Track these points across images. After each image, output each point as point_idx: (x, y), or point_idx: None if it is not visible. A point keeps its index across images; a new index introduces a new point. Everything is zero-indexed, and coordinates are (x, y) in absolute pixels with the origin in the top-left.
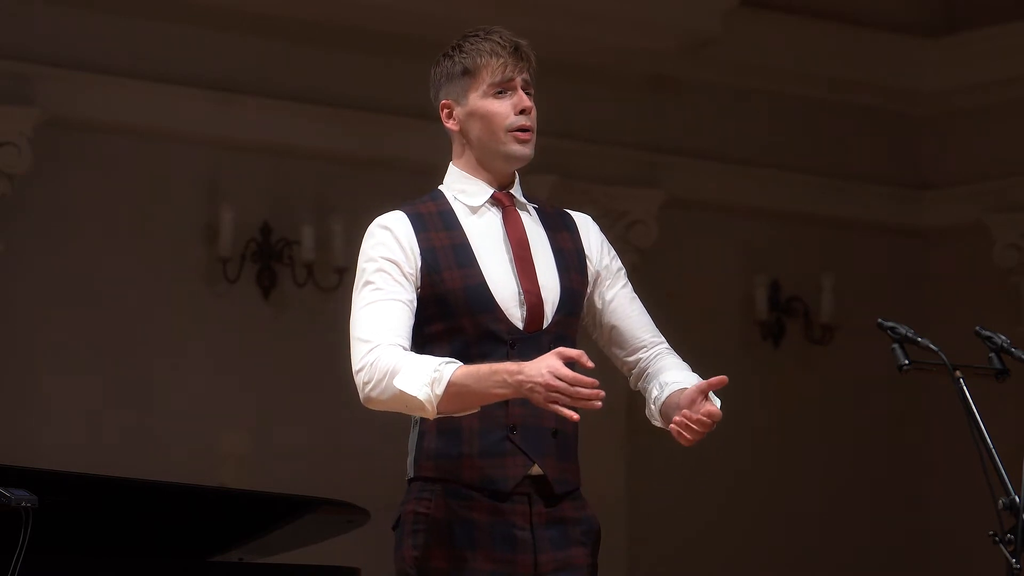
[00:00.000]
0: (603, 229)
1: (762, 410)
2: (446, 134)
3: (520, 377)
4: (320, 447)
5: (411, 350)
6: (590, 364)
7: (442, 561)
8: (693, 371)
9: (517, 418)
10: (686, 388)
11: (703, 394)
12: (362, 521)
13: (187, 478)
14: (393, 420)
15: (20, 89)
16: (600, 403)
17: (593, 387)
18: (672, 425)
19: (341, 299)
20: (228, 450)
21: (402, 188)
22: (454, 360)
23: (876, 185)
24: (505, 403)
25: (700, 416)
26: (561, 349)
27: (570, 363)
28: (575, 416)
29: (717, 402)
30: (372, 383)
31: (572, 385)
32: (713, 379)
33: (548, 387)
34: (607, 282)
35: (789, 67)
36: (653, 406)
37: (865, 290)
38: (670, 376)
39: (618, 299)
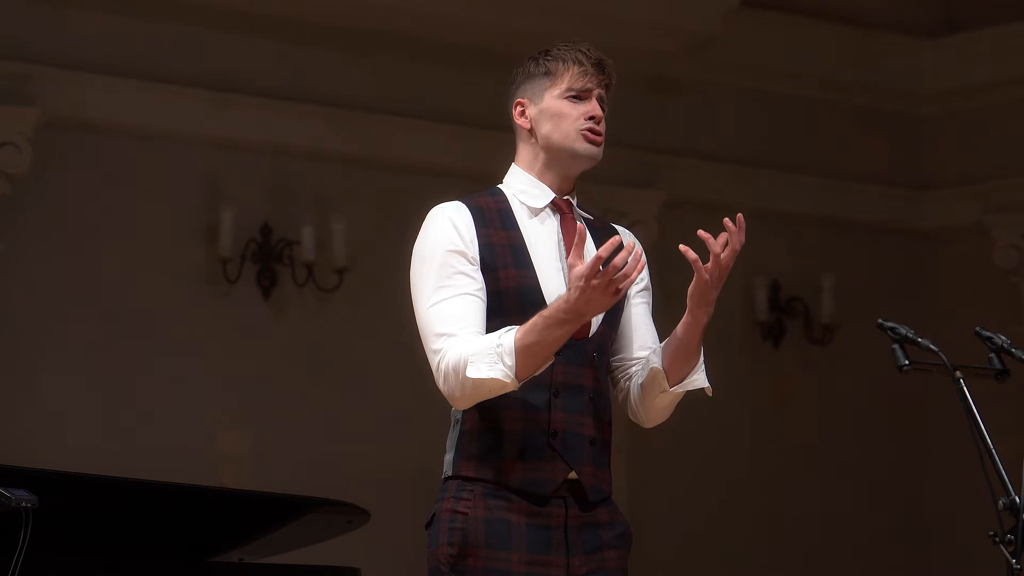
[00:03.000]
0: None
1: (762, 410)
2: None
3: (575, 305)
4: (320, 447)
5: None
6: (581, 229)
7: (477, 561)
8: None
9: (559, 424)
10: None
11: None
12: (362, 521)
13: (187, 478)
14: (393, 420)
15: (20, 89)
16: (640, 251)
17: (613, 246)
18: (690, 253)
19: (341, 299)
20: (228, 450)
21: (402, 189)
22: (509, 328)
23: (876, 185)
24: (548, 409)
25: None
26: (569, 263)
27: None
28: (643, 264)
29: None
30: (450, 387)
31: (604, 264)
32: (727, 221)
33: (598, 289)
34: (633, 294)
35: (789, 67)
36: (653, 356)
37: (865, 290)
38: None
39: (636, 309)
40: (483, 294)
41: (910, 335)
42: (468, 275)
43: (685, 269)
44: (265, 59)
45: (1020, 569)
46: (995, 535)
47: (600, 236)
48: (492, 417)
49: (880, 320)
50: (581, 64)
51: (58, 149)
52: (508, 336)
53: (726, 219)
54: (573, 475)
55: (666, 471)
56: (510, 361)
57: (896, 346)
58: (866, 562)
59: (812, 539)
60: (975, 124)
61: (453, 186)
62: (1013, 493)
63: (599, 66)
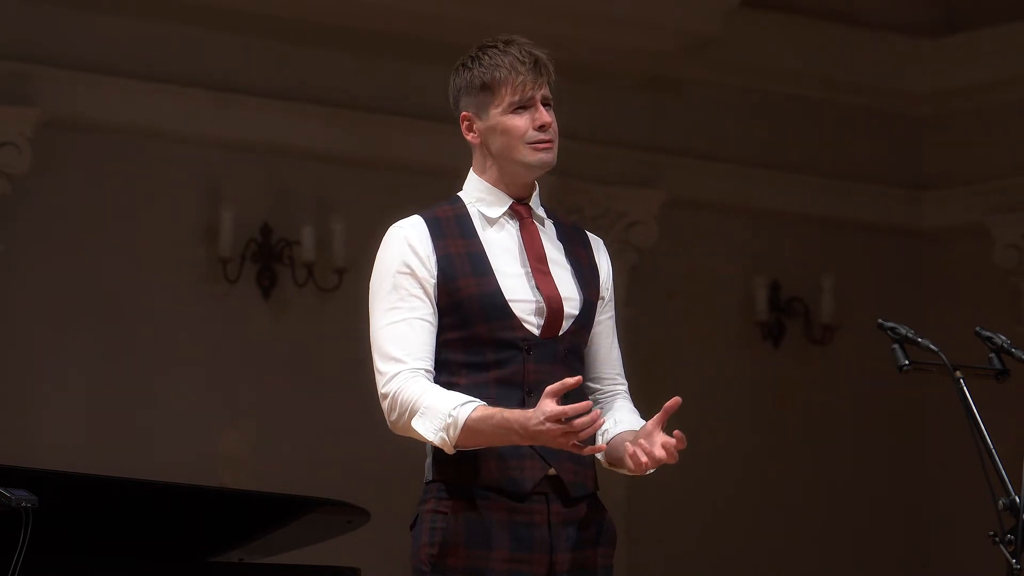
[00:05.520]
0: (603, 229)
1: (761, 410)
2: (466, 143)
3: (531, 432)
4: (320, 447)
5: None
6: (573, 382)
7: (459, 560)
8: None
9: None
10: (635, 430)
11: (661, 424)
12: (362, 521)
13: (187, 478)
14: None
15: (20, 89)
16: (603, 421)
17: (586, 411)
18: (630, 446)
19: (341, 299)
20: (228, 450)
21: (402, 188)
22: (471, 400)
23: (876, 185)
24: (522, 408)
25: (659, 452)
26: (547, 389)
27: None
28: (600, 448)
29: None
30: (394, 416)
31: (571, 421)
32: (669, 403)
33: (551, 434)
34: (602, 308)
35: (789, 67)
36: (599, 437)
37: (865, 290)
38: (623, 416)
39: (603, 325)
40: (434, 318)
41: (910, 335)
42: (420, 298)
43: (684, 269)
44: (265, 59)
45: (1020, 569)
46: (995, 535)
47: (570, 240)
48: None
49: (880, 320)
50: (517, 72)
51: (58, 149)
52: (464, 411)
53: (673, 439)
54: (553, 471)
55: (665, 471)
56: (453, 434)
57: (896, 346)
58: (866, 562)
59: (812, 538)
60: (975, 124)
61: (453, 186)
62: (1013, 493)
63: (536, 69)
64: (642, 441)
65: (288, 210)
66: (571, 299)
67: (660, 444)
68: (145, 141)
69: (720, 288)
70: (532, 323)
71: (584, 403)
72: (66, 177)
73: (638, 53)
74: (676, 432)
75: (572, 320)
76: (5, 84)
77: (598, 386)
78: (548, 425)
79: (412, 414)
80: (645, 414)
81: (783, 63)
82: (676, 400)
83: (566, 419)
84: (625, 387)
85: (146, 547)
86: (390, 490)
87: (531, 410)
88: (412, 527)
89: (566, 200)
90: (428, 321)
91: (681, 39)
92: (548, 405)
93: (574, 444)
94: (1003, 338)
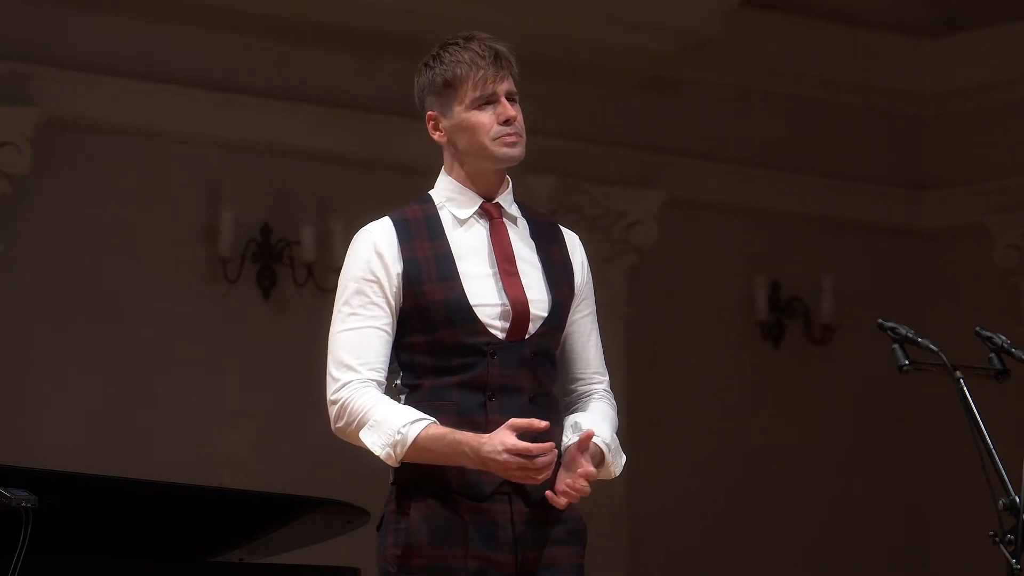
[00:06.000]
0: (603, 229)
1: (761, 410)
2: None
3: (482, 457)
4: (320, 447)
5: (394, 360)
6: (541, 426)
7: (423, 560)
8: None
9: (495, 426)
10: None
11: (582, 451)
12: (362, 521)
13: (187, 478)
14: None
15: (20, 89)
16: (550, 471)
17: (547, 451)
18: (548, 493)
19: None
20: (228, 450)
21: (402, 188)
22: (423, 417)
23: (876, 185)
24: (484, 412)
25: (566, 487)
26: (512, 421)
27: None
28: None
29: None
30: (341, 423)
31: (531, 456)
32: (583, 435)
33: (507, 465)
34: (577, 305)
35: (789, 67)
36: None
37: (865, 290)
38: (582, 418)
39: (578, 324)
40: (392, 328)
41: (910, 335)
42: (380, 307)
43: (684, 269)
44: (265, 59)
45: (1020, 569)
46: (995, 535)
47: (543, 238)
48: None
49: (880, 320)
50: (478, 67)
51: (58, 149)
52: (414, 429)
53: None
54: None
55: (666, 470)
56: (400, 451)
57: (896, 346)
58: (866, 563)
59: (812, 539)
60: (975, 124)
61: None
62: (1013, 493)
63: (496, 63)
64: (558, 486)
65: (288, 210)
66: (539, 301)
67: (567, 482)
68: (145, 141)
69: (720, 288)
70: (497, 327)
71: (548, 444)
72: (66, 177)
73: (638, 53)
74: (581, 471)
75: (540, 322)
76: (5, 84)
77: (573, 387)
78: (506, 456)
79: (361, 425)
80: (644, 415)
81: (783, 63)
82: (589, 433)
83: (529, 456)
84: (604, 383)
85: (146, 547)
86: (388, 490)
87: (485, 435)
88: (378, 528)
89: (566, 200)
90: (386, 331)
91: (681, 39)
92: (508, 437)
93: (531, 479)
94: (1003, 338)
